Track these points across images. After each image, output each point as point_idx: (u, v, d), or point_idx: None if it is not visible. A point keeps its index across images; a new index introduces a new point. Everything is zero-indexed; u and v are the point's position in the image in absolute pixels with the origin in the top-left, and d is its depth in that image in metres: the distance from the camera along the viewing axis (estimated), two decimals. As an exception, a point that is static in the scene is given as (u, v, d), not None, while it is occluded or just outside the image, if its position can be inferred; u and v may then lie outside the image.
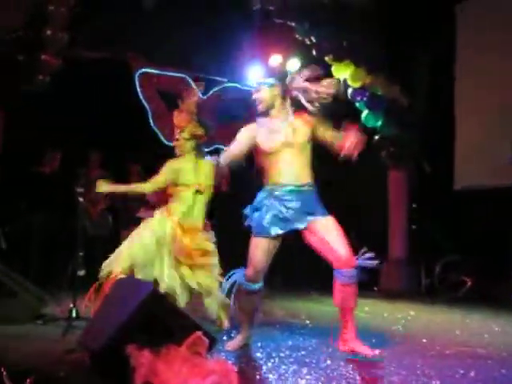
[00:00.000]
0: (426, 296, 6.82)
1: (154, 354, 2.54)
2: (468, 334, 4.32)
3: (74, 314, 4.10)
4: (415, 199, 7.53)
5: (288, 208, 3.38)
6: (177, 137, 4.06)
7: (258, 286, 3.48)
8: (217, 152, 3.73)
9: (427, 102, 7.42)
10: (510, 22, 6.60)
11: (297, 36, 7.52)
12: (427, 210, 7.40)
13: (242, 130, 3.54)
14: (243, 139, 3.50)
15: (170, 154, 7.23)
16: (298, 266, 7.68)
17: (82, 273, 4.36)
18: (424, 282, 7.22)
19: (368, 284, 7.43)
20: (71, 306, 4.13)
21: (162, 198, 7.22)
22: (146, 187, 4.12)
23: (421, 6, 7.25)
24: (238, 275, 3.56)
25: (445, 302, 6.34)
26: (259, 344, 3.61)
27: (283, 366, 3.04)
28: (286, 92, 3.49)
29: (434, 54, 7.60)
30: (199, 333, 2.68)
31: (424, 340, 3.95)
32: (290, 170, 3.41)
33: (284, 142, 3.41)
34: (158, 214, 4.08)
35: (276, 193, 3.41)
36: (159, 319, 2.68)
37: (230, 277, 3.62)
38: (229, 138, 7.56)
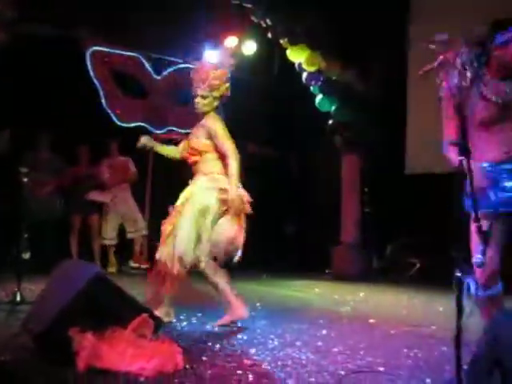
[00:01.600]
0: (377, 278, 6.97)
1: (97, 337, 2.50)
2: (414, 314, 4.45)
3: (18, 298, 3.99)
4: (368, 183, 7.65)
5: None
6: (203, 93, 3.78)
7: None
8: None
9: (382, 88, 7.52)
10: (460, 9, 6.73)
11: (252, 18, 7.46)
12: (379, 193, 7.54)
13: None
14: None
15: (120, 134, 7.17)
16: (250, 249, 7.71)
17: (26, 256, 4.23)
18: (375, 265, 7.39)
19: (320, 266, 7.60)
20: (15, 289, 4.02)
21: (117, 180, 7.14)
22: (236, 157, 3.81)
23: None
24: None
25: (394, 283, 6.50)
26: (208, 326, 3.61)
27: (231, 347, 3.05)
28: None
29: (388, 40, 7.69)
30: (145, 315, 2.66)
31: (371, 320, 4.04)
32: None
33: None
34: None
35: None
36: (103, 302, 2.63)
37: None
38: (183, 120, 7.57)
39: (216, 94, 3.79)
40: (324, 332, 3.59)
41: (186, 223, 3.63)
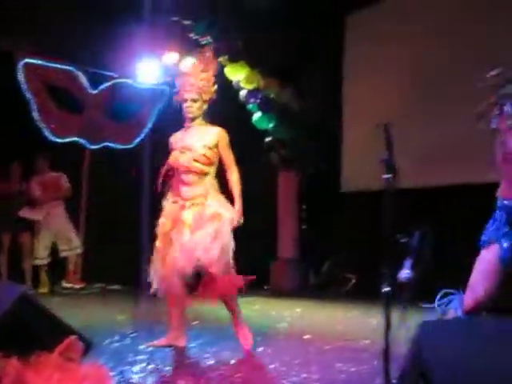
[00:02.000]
0: (314, 293, 7.05)
1: (22, 362, 2.38)
2: (348, 328, 4.52)
3: None
4: (305, 200, 7.77)
5: None
6: (194, 97, 3.64)
7: None
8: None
9: (318, 106, 7.69)
10: (394, 34, 7.02)
11: (192, 35, 7.48)
12: (316, 210, 7.67)
13: None
14: None
15: (51, 149, 6.95)
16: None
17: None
18: (312, 280, 7.48)
19: (259, 283, 7.60)
20: None
21: (49, 197, 6.90)
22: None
23: (312, 13, 7.51)
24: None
25: (331, 298, 6.59)
26: (140, 347, 3.52)
27: (164, 368, 2.99)
28: None
29: (324, 59, 7.90)
30: (73, 337, 2.55)
31: (307, 336, 4.07)
32: None
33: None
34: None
35: None
36: (29, 324, 2.51)
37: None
38: (120, 136, 7.44)
39: (205, 97, 3.70)
40: (260, 349, 3.59)
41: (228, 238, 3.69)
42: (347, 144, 7.48)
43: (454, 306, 2.71)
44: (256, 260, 8.14)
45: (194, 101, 3.63)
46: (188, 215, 3.53)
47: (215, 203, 3.57)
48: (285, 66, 7.57)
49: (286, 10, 7.51)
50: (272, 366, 3.11)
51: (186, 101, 3.65)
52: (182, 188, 3.60)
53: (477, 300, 2.58)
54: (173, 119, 7.33)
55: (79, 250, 6.93)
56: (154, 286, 3.55)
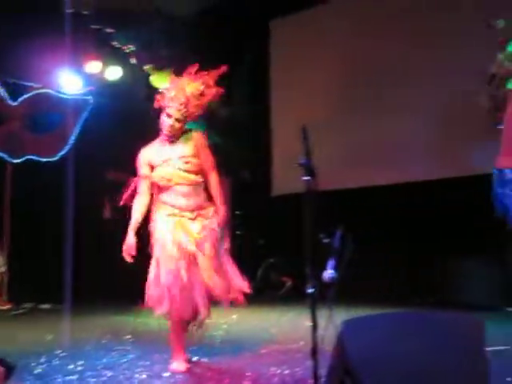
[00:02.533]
0: (250, 299, 7.05)
1: None
2: (283, 331, 4.56)
3: None
4: (237, 206, 7.79)
5: None
6: (179, 117, 3.35)
7: None
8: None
9: (246, 112, 7.75)
10: (318, 40, 7.20)
11: (115, 43, 7.35)
12: (249, 215, 7.71)
13: None
14: None
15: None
16: (121, 279, 7.48)
17: None
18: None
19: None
20: None
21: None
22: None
23: (238, 19, 7.57)
24: None
25: (266, 303, 6.63)
26: (72, 366, 3.39)
27: (95, 386, 2.90)
28: None
29: (251, 65, 7.98)
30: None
31: (243, 342, 4.07)
32: None
33: None
34: None
35: None
36: None
37: None
38: (43, 148, 7.17)
39: (189, 117, 3.44)
40: (195, 358, 3.55)
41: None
42: (277, 148, 7.58)
43: None
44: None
45: (178, 121, 3.37)
46: (197, 228, 3.31)
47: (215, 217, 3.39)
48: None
49: (211, 16, 7.54)
50: (206, 375, 3.08)
51: (169, 117, 3.37)
52: (178, 200, 3.32)
53: None
54: (97, 128, 7.21)
55: (3, 269, 6.60)
56: (164, 307, 3.25)
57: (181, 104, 3.36)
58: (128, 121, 8.06)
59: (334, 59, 6.99)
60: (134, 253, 3.36)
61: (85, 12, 6.79)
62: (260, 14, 7.65)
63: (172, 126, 3.36)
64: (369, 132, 6.45)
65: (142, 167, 3.48)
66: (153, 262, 3.38)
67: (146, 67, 7.35)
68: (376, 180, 6.32)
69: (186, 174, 3.33)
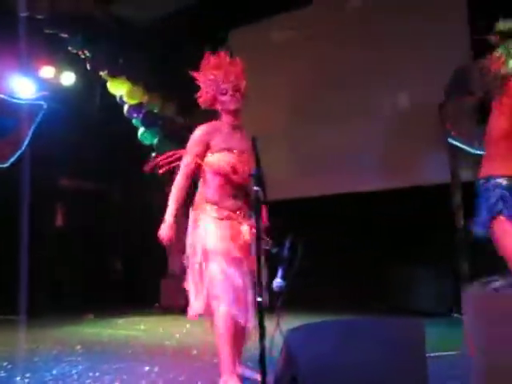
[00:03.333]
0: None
1: None
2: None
3: None
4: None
5: None
6: (238, 86, 3.05)
7: None
8: None
9: (202, 121, 7.74)
10: (272, 51, 7.30)
11: (70, 48, 7.23)
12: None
13: None
14: None
15: None
16: (74, 289, 7.35)
17: None
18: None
19: (150, 301, 7.47)
20: None
21: None
22: None
23: (196, 29, 7.59)
24: None
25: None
26: (18, 378, 3.30)
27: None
28: None
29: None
30: None
31: (195, 352, 4.06)
32: None
33: None
34: None
35: None
36: None
37: None
38: (-1, 152, 6.95)
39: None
40: (146, 368, 3.52)
41: None
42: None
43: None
44: (148, 277, 8.01)
45: (237, 90, 3.01)
46: (247, 236, 2.92)
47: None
48: (168, 81, 7.56)
49: (170, 24, 7.53)
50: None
51: (225, 92, 2.99)
52: (230, 201, 2.95)
53: None
54: (50, 134, 7.06)
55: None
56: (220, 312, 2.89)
57: (233, 76, 3.06)
58: (81, 127, 7.94)
59: (288, 70, 7.09)
60: (173, 236, 3.02)
61: (39, 16, 6.66)
62: (218, 24, 7.69)
63: (233, 97, 3.00)
64: (321, 141, 6.57)
65: (198, 145, 3.02)
66: (194, 269, 3.05)
67: (102, 73, 7.26)
68: (328, 189, 6.43)
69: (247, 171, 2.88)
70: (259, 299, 2.20)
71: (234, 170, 2.90)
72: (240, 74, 3.12)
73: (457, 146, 5.77)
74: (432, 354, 2.64)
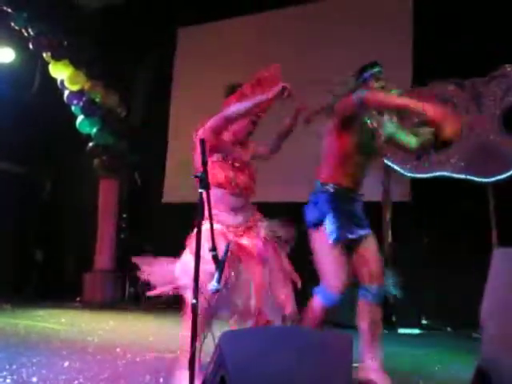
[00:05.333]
0: (130, 305, 6.92)
1: None
2: (161, 340, 4.51)
3: None
4: (126, 209, 7.63)
5: None
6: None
7: None
8: None
9: (143, 115, 7.64)
10: (222, 52, 7.32)
11: (13, 25, 6.94)
12: (137, 220, 7.58)
13: None
14: None
15: None
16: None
17: None
18: (128, 292, 7.34)
19: (70, 295, 7.25)
20: None
21: None
22: None
23: (145, 21, 7.49)
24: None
25: (147, 310, 6.53)
26: None
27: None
28: None
29: (153, 70, 7.89)
30: None
31: (117, 349, 3.97)
32: None
33: None
34: None
35: None
36: None
37: None
38: None
39: None
40: (66, 364, 3.41)
41: None
42: (171, 155, 7.54)
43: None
44: (70, 271, 7.77)
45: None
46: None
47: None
48: (112, 70, 7.40)
49: (120, 12, 7.39)
50: (76, 382, 2.97)
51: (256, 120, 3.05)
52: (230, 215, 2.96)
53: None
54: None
55: None
56: None
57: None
58: (16, 107, 7.61)
59: (238, 72, 7.13)
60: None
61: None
62: (170, 18, 7.63)
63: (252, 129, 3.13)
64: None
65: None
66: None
67: (44, 54, 7.00)
68: (270, 196, 6.50)
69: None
70: (193, 301, 2.20)
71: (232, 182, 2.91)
72: None
73: (391, 167, 6.01)
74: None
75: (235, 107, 2.88)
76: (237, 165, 2.97)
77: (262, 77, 3.07)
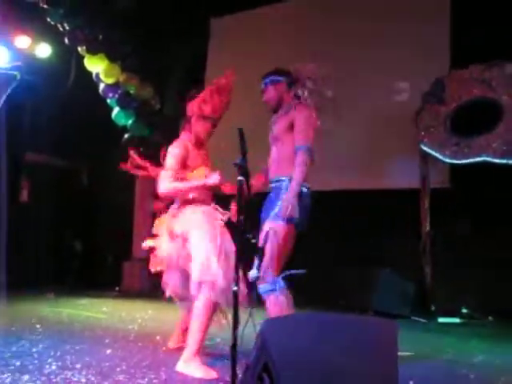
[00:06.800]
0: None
1: None
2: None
3: None
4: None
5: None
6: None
7: None
8: None
9: (177, 107, 7.67)
10: (257, 41, 7.28)
11: (49, 20, 7.05)
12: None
13: None
14: None
15: None
16: (33, 266, 7.20)
17: None
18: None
19: (110, 284, 7.38)
20: None
21: None
22: None
23: (178, 15, 7.51)
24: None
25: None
26: (-25, 353, 3.22)
27: (1, 375, 2.77)
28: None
29: (186, 61, 7.92)
30: None
31: (157, 337, 4.04)
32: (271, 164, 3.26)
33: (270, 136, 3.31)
34: None
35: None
36: None
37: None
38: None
39: None
40: (108, 351, 3.48)
41: None
42: (208, 145, 7.57)
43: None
44: (110, 260, 7.91)
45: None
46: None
47: None
48: (146, 62, 7.46)
49: (151, 9, 7.43)
50: (119, 369, 3.03)
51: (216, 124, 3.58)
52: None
53: None
54: (21, 106, 6.87)
55: None
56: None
57: None
58: (54, 101, 7.75)
59: (272, 60, 7.08)
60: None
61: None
62: (200, 11, 7.63)
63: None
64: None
65: (178, 164, 3.42)
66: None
67: (80, 49, 7.10)
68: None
69: None
70: (235, 288, 2.20)
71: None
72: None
73: (428, 153, 5.89)
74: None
75: (174, 188, 3.28)
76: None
77: (219, 83, 3.53)
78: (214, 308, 3.11)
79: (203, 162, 3.43)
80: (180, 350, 3.63)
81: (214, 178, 3.19)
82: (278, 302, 2.90)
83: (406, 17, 6.36)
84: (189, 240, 3.17)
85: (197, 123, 3.46)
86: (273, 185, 3.16)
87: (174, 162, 3.32)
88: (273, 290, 2.88)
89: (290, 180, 3.00)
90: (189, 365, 3.02)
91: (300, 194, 2.98)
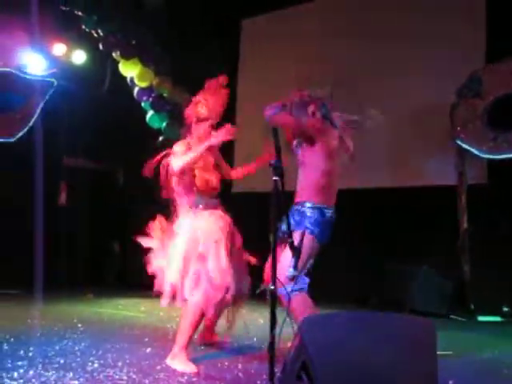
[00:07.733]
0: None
1: None
2: (236, 327, 4.59)
3: None
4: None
5: None
6: None
7: None
8: None
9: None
10: (288, 40, 7.29)
11: (83, 27, 7.22)
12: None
13: None
14: None
15: None
16: (74, 267, 7.37)
17: None
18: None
19: (147, 284, 7.48)
20: None
21: None
22: None
23: (209, 18, 7.58)
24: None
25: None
26: (21, 352, 3.33)
27: (46, 373, 2.86)
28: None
29: (220, 61, 7.98)
30: None
31: (195, 336, 4.08)
32: None
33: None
34: None
35: None
36: None
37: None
38: (0, 128, 6.93)
39: None
40: (148, 350, 3.55)
41: None
42: (239, 145, 7.60)
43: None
44: (143, 262, 8.02)
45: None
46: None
47: None
48: (179, 66, 7.54)
49: (182, 12, 7.51)
50: (159, 367, 3.09)
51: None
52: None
53: None
54: (58, 112, 7.04)
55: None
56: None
57: None
58: (90, 107, 7.92)
59: (303, 60, 7.08)
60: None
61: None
62: (232, 12, 7.67)
63: None
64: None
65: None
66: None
67: (114, 54, 7.24)
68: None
69: None
70: (271, 287, 2.22)
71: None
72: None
73: (465, 149, 5.78)
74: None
75: (184, 160, 3.34)
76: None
77: (210, 85, 3.67)
78: (208, 308, 3.23)
79: (207, 165, 3.52)
80: (212, 346, 3.70)
81: (219, 135, 3.24)
82: (305, 302, 2.92)
83: (434, 11, 6.25)
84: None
85: (196, 126, 3.56)
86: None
87: (181, 151, 3.43)
88: (302, 289, 2.89)
89: None
90: (174, 359, 3.16)
91: (322, 215, 3.06)
